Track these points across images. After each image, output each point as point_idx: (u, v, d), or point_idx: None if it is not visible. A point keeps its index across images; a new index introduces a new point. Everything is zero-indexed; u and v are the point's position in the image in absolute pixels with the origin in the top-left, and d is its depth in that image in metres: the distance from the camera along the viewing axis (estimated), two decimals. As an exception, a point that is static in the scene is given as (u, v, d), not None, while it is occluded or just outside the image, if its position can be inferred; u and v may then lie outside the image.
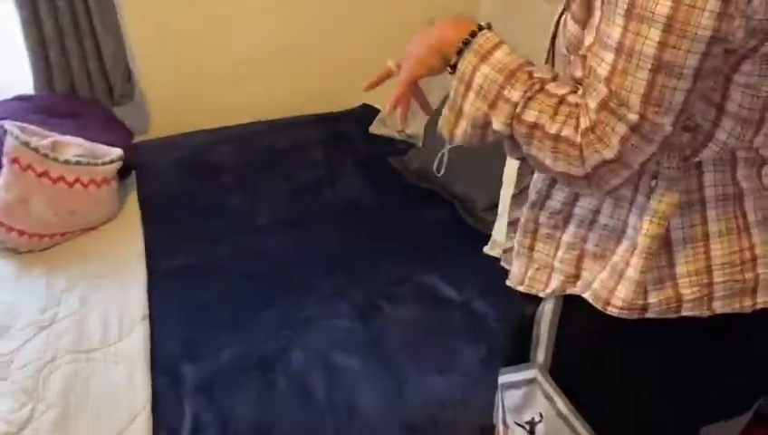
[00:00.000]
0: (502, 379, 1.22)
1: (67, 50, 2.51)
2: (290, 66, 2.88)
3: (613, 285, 1.03)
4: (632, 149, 0.88)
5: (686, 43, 0.82)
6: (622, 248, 1.03)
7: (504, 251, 1.25)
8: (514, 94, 0.94)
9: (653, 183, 0.97)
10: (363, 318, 1.87)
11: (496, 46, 0.98)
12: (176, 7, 2.65)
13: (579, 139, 0.90)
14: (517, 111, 0.94)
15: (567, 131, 0.91)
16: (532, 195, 1.11)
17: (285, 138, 2.72)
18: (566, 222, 1.09)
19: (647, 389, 1.09)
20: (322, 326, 1.84)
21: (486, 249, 2.12)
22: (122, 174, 2.34)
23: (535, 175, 1.12)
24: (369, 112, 2.87)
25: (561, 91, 0.93)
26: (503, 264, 1.26)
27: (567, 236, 1.08)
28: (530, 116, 0.93)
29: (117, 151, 2.26)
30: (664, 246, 1.01)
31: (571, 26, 0.98)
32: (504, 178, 2.17)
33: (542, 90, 0.94)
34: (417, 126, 2.62)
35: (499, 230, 2.11)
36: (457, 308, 1.90)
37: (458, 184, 2.34)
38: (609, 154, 0.89)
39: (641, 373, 1.08)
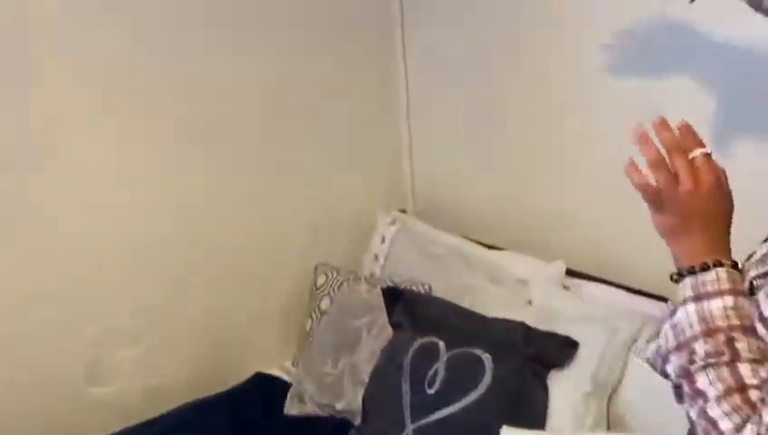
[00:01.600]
0: None
1: None
2: (157, 341, 2.26)
3: None
4: None
5: None
6: None
7: None
8: (700, 350, 0.87)
9: None
10: None
11: (720, 294, 0.89)
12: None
13: None
14: (693, 367, 0.87)
15: (725, 425, 0.83)
16: None
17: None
18: None
19: None
20: None
21: None
22: None
23: None
24: (269, 384, 2.30)
25: (750, 380, 0.84)
26: None
27: None
28: (701, 382, 0.86)
29: None
30: None
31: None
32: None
33: (730, 363, 0.85)
34: (350, 398, 2.08)
35: None
36: None
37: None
38: None
39: None
